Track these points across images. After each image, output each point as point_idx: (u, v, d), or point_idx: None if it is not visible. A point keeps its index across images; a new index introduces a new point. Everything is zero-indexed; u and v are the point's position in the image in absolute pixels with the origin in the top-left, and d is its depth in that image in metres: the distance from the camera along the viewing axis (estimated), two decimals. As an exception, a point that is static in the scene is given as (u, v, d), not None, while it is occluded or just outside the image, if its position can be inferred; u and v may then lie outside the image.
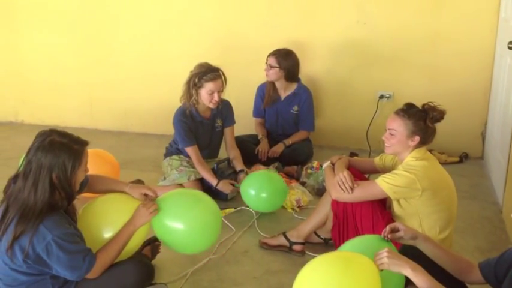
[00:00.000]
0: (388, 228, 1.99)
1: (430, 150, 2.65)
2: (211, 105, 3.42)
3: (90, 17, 4.72)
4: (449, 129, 3.97)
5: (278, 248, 2.90)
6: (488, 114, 4.12)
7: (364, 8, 4.17)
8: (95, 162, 3.23)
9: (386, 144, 2.53)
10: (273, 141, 4.01)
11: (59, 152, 2.02)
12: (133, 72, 4.75)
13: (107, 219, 2.25)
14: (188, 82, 3.38)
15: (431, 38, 4.12)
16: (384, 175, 2.48)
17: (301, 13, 4.30)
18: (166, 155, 3.65)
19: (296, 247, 2.86)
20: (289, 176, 3.79)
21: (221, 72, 3.39)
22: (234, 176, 3.52)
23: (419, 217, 2.46)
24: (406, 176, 2.40)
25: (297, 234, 2.87)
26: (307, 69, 4.19)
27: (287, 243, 2.87)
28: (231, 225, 3.15)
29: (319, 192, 3.47)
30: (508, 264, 1.85)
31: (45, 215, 1.99)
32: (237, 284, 2.64)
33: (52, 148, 2.01)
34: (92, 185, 2.35)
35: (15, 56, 5.00)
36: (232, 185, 3.42)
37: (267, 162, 3.85)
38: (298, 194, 3.44)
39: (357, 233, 2.53)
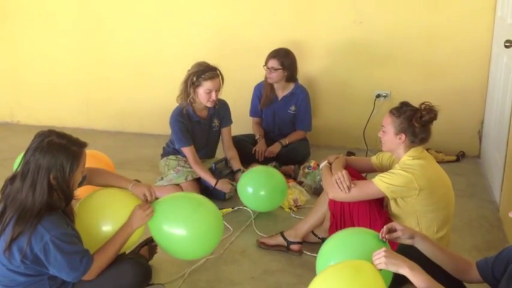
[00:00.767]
0: (385, 228, 2.00)
1: (427, 149, 2.66)
2: (209, 104, 3.41)
3: (86, 17, 4.71)
4: (446, 128, 3.99)
5: (276, 247, 2.89)
6: (485, 113, 4.13)
7: (361, 7, 4.17)
8: (90, 164, 3.23)
9: (381, 141, 2.57)
10: (269, 140, 4.01)
11: (58, 153, 2.01)
12: (130, 72, 4.73)
13: (104, 214, 2.25)
14: (186, 81, 3.37)
15: (427, 37, 4.13)
16: (381, 174, 2.48)
17: (297, 13, 4.29)
18: (163, 155, 3.65)
19: (294, 247, 2.86)
20: (287, 176, 3.78)
21: (219, 72, 3.38)
22: (231, 175, 3.52)
23: (416, 216, 2.47)
24: (403, 175, 2.40)
25: (295, 234, 2.86)
26: (304, 69, 4.18)
27: (285, 243, 2.87)
28: (228, 225, 3.15)
29: (317, 191, 3.47)
30: (505, 262, 1.85)
31: (43, 216, 1.98)
32: (235, 284, 2.64)
33: (51, 149, 2.00)
34: (92, 178, 2.34)
35: (11, 56, 4.97)
36: (231, 184, 3.42)
37: (264, 162, 3.84)
38: (295, 193, 3.43)
39: (354, 232, 2.53)
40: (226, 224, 3.16)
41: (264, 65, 3.90)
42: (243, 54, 4.42)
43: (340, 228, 2.56)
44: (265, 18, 4.35)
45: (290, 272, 2.73)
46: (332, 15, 4.24)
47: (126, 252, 2.51)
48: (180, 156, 3.54)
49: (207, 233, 2.36)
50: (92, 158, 3.33)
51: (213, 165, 3.54)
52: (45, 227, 1.97)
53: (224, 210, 3.33)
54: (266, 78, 3.96)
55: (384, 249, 1.85)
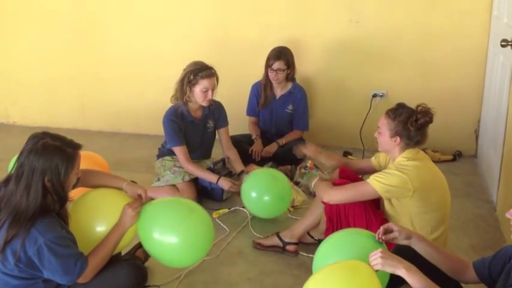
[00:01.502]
0: (381, 229, 1.99)
1: (424, 149, 2.66)
2: (205, 104, 3.39)
3: (82, 17, 4.68)
4: (442, 127, 3.98)
5: (271, 248, 2.89)
6: (482, 112, 4.12)
7: (357, 7, 4.16)
8: (85, 165, 3.22)
9: (377, 142, 2.57)
10: (266, 140, 4.00)
11: (52, 155, 1.99)
12: (126, 73, 4.72)
13: (97, 215, 2.23)
14: (182, 79, 3.35)
15: (424, 36, 4.12)
16: (376, 174, 2.48)
17: (293, 12, 4.28)
18: (158, 156, 3.63)
19: (289, 247, 2.85)
20: (283, 176, 3.78)
21: (214, 71, 3.37)
22: (229, 176, 3.49)
23: (410, 217, 2.46)
24: (398, 176, 2.40)
25: (291, 235, 2.86)
26: (301, 69, 4.17)
27: (280, 244, 2.86)
28: (225, 226, 3.14)
29: (313, 192, 3.46)
30: (502, 262, 1.85)
31: (37, 219, 1.96)
32: (232, 285, 2.63)
33: (45, 151, 1.99)
34: (86, 179, 2.32)
35: (6, 56, 4.94)
36: (233, 183, 3.36)
37: (261, 162, 3.84)
38: (292, 194, 3.42)
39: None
40: (222, 224, 3.16)
41: (268, 67, 3.87)
42: (239, 53, 4.41)
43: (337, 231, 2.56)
44: (262, 17, 4.34)
45: (286, 273, 2.73)
46: (328, 14, 4.23)
47: (122, 253, 2.51)
48: (176, 157, 3.52)
49: (196, 242, 2.29)
50: (87, 159, 3.31)
51: (211, 166, 3.53)
52: (39, 230, 1.95)
53: (221, 210, 3.32)
54: (265, 78, 3.94)
55: (380, 250, 1.85)
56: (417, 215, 2.46)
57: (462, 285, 2.01)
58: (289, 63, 3.87)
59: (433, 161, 2.61)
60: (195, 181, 3.47)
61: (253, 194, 3.13)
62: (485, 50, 4.02)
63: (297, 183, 3.64)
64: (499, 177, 3.32)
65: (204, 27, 4.46)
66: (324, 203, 2.66)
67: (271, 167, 3.82)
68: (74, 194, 2.23)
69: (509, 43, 3.15)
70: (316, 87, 4.35)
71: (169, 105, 3.48)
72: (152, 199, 2.41)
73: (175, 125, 3.39)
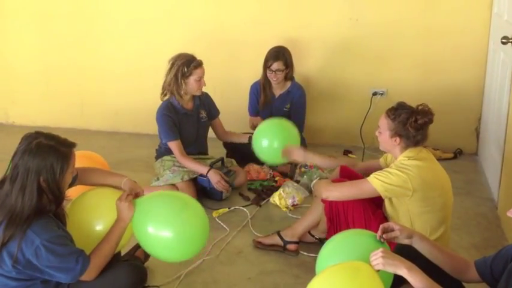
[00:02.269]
0: (380, 228, 1.97)
1: (425, 147, 2.62)
2: (198, 93, 3.44)
3: (79, 17, 4.67)
4: (443, 125, 3.96)
5: (272, 247, 2.87)
6: (482, 110, 4.11)
7: (356, 4, 4.14)
8: (84, 164, 3.20)
9: (378, 141, 2.55)
10: None
11: (47, 155, 1.97)
12: (125, 72, 4.70)
13: (95, 215, 2.21)
14: (176, 74, 3.37)
15: (424, 34, 4.10)
16: (376, 173, 2.45)
17: (292, 10, 4.26)
18: (157, 157, 3.62)
19: (290, 246, 2.84)
20: (283, 175, 3.77)
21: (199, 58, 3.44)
22: (229, 175, 3.48)
23: (409, 216, 2.44)
24: (399, 175, 2.38)
25: (291, 234, 2.84)
26: (300, 67, 4.15)
27: (281, 243, 2.85)
28: (225, 226, 3.13)
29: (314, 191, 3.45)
30: (504, 261, 1.83)
31: (33, 220, 1.95)
32: (232, 285, 2.62)
33: (39, 151, 1.97)
34: (84, 178, 2.30)
35: (5, 57, 4.93)
36: (227, 181, 3.38)
37: (261, 161, 3.82)
38: (292, 192, 3.41)
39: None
40: (222, 224, 3.14)
41: (266, 68, 3.85)
42: (237, 52, 4.39)
43: (337, 231, 2.54)
44: (260, 16, 4.32)
45: (287, 272, 2.71)
46: (327, 12, 4.21)
47: (122, 253, 2.49)
48: (174, 156, 3.51)
49: (192, 235, 2.23)
50: (87, 158, 3.32)
51: (210, 164, 3.52)
52: (35, 231, 1.94)
53: (220, 210, 3.31)
54: (264, 79, 3.92)
55: (381, 249, 1.83)
56: (417, 215, 2.44)
57: (464, 284, 2.00)
58: (288, 63, 3.86)
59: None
60: (195, 181, 3.46)
61: (264, 141, 3.24)
62: (485, 48, 4.01)
63: (297, 182, 3.62)
64: (500, 175, 3.31)
65: (202, 27, 4.44)
66: (323, 201, 2.64)
67: (270, 166, 3.81)
68: (72, 192, 2.22)
69: (510, 40, 3.13)
70: (316, 86, 4.34)
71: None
72: None
73: (169, 119, 3.40)
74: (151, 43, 4.58)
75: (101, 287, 2.11)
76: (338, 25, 4.21)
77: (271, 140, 3.23)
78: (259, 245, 2.91)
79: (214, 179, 3.35)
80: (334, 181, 2.66)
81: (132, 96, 4.72)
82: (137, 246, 2.60)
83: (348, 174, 2.77)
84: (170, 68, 3.40)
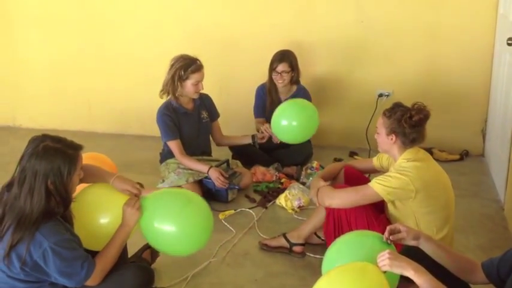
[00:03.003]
0: (388, 229, 1.98)
1: (430, 148, 2.64)
2: (195, 96, 3.46)
3: (87, 20, 4.69)
4: (449, 126, 3.98)
5: (278, 249, 2.88)
6: (489, 111, 4.10)
7: (362, 6, 4.14)
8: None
9: (377, 143, 2.58)
10: (272, 144, 3.93)
11: (54, 157, 1.99)
12: (131, 75, 4.72)
13: (99, 211, 2.21)
14: (172, 76, 3.39)
15: (429, 35, 4.10)
16: (377, 177, 2.47)
17: (298, 12, 4.27)
18: (161, 161, 3.64)
19: (296, 248, 2.84)
20: (289, 177, 3.78)
21: (201, 62, 3.43)
22: (234, 177, 3.49)
23: (414, 218, 2.44)
24: (399, 178, 2.39)
25: (298, 235, 2.85)
26: (305, 69, 4.16)
27: (287, 245, 2.85)
28: (231, 227, 3.14)
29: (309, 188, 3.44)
30: (511, 262, 1.83)
31: (41, 222, 1.96)
32: (238, 287, 2.63)
33: (46, 154, 1.98)
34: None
35: (12, 60, 4.96)
36: (226, 178, 3.37)
37: (267, 163, 3.83)
38: (298, 194, 3.42)
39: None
40: (228, 226, 3.15)
41: (272, 70, 3.86)
42: (243, 55, 4.40)
43: (338, 236, 2.54)
44: (266, 19, 4.33)
45: (293, 274, 2.72)
46: (333, 14, 4.21)
47: (129, 255, 2.50)
48: (179, 159, 3.52)
49: (197, 226, 2.26)
50: (95, 160, 3.34)
51: (215, 167, 3.53)
52: (43, 233, 1.95)
53: (227, 212, 3.32)
54: (270, 83, 3.92)
55: (388, 251, 1.84)
56: (422, 216, 2.44)
57: (471, 285, 1.99)
58: (293, 65, 3.87)
59: (440, 161, 2.60)
60: (200, 183, 3.47)
61: (284, 121, 3.50)
62: (491, 49, 4.00)
63: (303, 184, 3.63)
64: (506, 176, 3.30)
65: (209, 28, 4.46)
66: (326, 209, 2.64)
67: (277, 167, 3.82)
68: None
69: (516, 41, 3.13)
70: (321, 88, 4.34)
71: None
72: None
73: (168, 119, 3.43)
74: (158, 45, 4.59)
75: (108, 288, 2.12)
76: (343, 27, 4.21)
77: (289, 119, 3.51)
78: (265, 247, 2.92)
79: (214, 175, 3.36)
80: (337, 187, 2.66)
81: (139, 98, 4.74)
82: (144, 248, 2.61)
83: (352, 176, 2.77)
84: (169, 69, 3.43)
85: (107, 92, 4.82)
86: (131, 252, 2.54)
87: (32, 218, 1.95)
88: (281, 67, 3.83)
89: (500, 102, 3.67)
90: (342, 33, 4.23)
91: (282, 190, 3.54)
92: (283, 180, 3.72)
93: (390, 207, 2.52)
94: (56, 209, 2.02)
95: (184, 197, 2.35)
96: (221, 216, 3.26)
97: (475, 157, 4.20)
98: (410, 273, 1.77)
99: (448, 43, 4.08)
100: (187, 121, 3.52)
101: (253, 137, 3.59)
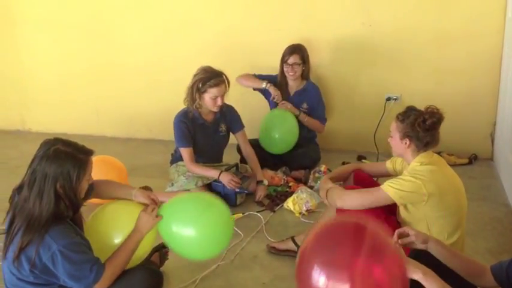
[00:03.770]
0: (396, 233, 1.97)
1: (439, 152, 2.64)
2: (215, 109, 3.43)
3: (95, 25, 4.73)
4: (458, 130, 3.96)
5: (286, 252, 2.88)
6: (497, 115, 4.09)
7: (369, 9, 4.15)
8: (103, 169, 3.25)
9: (391, 146, 2.56)
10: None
11: (64, 161, 2.00)
12: (139, 79, 4.75)
13: (115, 227, 2.23)
14: (192, 87, 3.38)
15: (437, 39, 4.10)
16: (390, 180, 2.46)
17: (304, 16, 4.29)
18: (172, 162, 3.65)
19: (304, 252, 2.83)
20: (297, 180, 3.78)
21: (224, 77, 3.39)
22: (243, 181, 3.48)
23: (426, 222, 2.43)
24: (412, 181, 2.38)
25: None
26: (313, 73, 4.17)
27: (295, 248, 2.85)
28: (239, 231, 3.14)
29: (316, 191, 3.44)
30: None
31: (50, 225, 1.97)
32: (246, 290, 2.63)
33: (57, 157, 2.00)
34: (98, 191, 2.33)
35: (21, 64, 5.01)
36: (238, 187, 3.38)
37: (274, 167, 3.84)
38: (306, 198, 3.42)
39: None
40: (237, 229, 3.15)
41: (283, 63, 3.90)
42: (249, 58, 4.41)
43: None
44: (274, 22, 4.35)
45: (301, 277, 2.71)
46: (340, 18, 4.23)
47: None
48: (190, 162, 3.53)
49: (217, 230, 2.30)
50: (105, 163, 3.38)
51: (224, 171, 3.54)
52: (53, 236, 1.96)
53: (235, 215, 3.32)
54: (281, 76, 3.95)
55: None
56: (434, 220, 2.43)
57: (480, 289, 1.99)
58: (304, 59, 3.91)
59: (449, 165, 2.58)
60: (209, 186, 3.48)
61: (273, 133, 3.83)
62: (500, 52, 3.99)
63: (311, 188, 3.63)
64: (515, 180, 3.29)
65: (214, 32, 4.48)
66: (337, 210, 2.64)
67: (285, 171, 3.82)
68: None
69: (525, 45, 3.12)
70: (329, 92, 4.35)
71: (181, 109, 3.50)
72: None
73: (184, 126, 3.42)
74: (165, 50, 4.63)
75: (118, 291, 2.13)
76: (351, 31, 4.22)
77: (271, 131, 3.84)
78: (274, 250, 2.92)
79: (226, 179, 3.37)
80: (348, 188, 2.66)
81: (147, 102, 4.77)
82: (153, 251, 2.61)
83: (362, 180, 2.77)
84: (192, 78, 3.42)
85: (115, 96, 4.86)
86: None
87: (42, 220, 1.96)
88: (292, 59, 3.86)
89: (509, 105, 3.65)
90: (350, 37, 4.24)
91: (290, 194, 3.54)
92: (291, 183, 3.73)
93: (402, 210, 2.51)
94: (66, 213, 2.04)
95: (204, 201, 2.38)
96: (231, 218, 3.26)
97: (484, 161, 4.18)
98: (419, 277, 1.76)
99: (456, 47, 4.07)
100: (203, 132, 3.51)
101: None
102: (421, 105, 2.52)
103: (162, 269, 2.62)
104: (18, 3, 4.86)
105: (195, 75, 3.40)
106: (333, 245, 1.63)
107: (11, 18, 4.92)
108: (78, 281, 2.01)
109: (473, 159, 4.16)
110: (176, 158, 3.63)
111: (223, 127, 3.59)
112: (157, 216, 2.23)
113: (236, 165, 3.62)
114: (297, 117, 3.93)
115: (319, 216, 2.94)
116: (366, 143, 4.31)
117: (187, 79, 3.47)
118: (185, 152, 3.45)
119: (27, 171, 2.05)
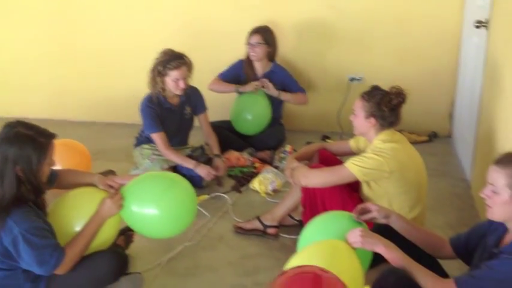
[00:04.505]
0: (357, 208, 2.02)
1: (400, 130, 2.68)
2: (178, 92, 3.38)
3: (55, 6, 4.60)
4: (418, 109, 4.04)
5: (252, 231, 2.91)
6: (456, 94, 4.19)
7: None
8: (66, 153, 3.19)
9: (353, 125, 2.59)
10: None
11: (24, 144, 1.97)
12: (102, 62, 4.65)
13: (78, 212, 2.20)
14: (153, 70, 3.34)
15: (399, 20, 4.15)
16: (353, 158, 2.51)
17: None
18: (136, 145, 3.61)
19: (270, 230, 2.87)
20: (263, 161, 3.80)
21: (186, 59, 3.35)
22: (209, 163, 3.48)
23: (388, 198, 2.49)
24: (375, 159, 2.43)
25: (271, 218, 2.88)
26: (278, 55, 4.17)
27: (261, 227, 2.88)
28: (205, 212, 3.15)
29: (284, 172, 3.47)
30: (478, 237, 1.90)
31: (12, 208, 1.94)
32: (213, 269, 2.65)
33: (17, 140, 1.97)
34: (61, 180, 2.31)
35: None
36: (216, 176, 3.38)
37: (240, 148, 3.85)
38: (272, 178, 3.44)
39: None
40: (203, 210, 3.16)
41: (246, 43, 3.90)
42: (215, 39, 4.38)
43: (313, 216, 2.58)
44: (235, 3, 4.32)
45: (268, 255, 2.75)
46: (305, 0, 4.23)
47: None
48: (154, 145, 3.49)
49: (180, 206, 2.31)
50: (68, 147, 3.32)
51: (190, 153, 3.52)
52: (15, 220, 1.93)
53: (201, 197, 3.32)
54: (247, 56, 3.95)
55: (359, 228, 1.89)
56: (395, 196, 2.49)
57: (439, 261, 2.06)
58: (268, 40, 3.91)
59: (410, 142, 2.64)
60: (174, 169, 3.46)
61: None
62: (459, 32, 4.07)
63: (276, 168, 3.66)
64: (472, 156, 3.39)
65: (179, 14, 4.42)
66: (301, 189, 2.67)
67: (250, 152, 3.84)
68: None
69: (483, 24, 3.20)
70: (293, 72, 4.33)
71: (146, 93, 3.45)
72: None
73: (152, 111, 3.37)
74: (129, 33, 4.54)
75: (82, 275, 2.12)
76: (315, 12, 4.23)
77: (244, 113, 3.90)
78: (240, 230, 2.94)
79: (203, 172, 3.35)
80: (312, 167, 2.70)
81: (110, 85, 4.69)
82: (119, 234, 2.60)
83: (327, 158, 2.81)
84: (153, 62, 3.36)
85: (78, 79, 4.75)
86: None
87: (3, 203, 1.93)
88: (253, 39, 3.87)
89: (467, 84, 3.74)
90: (313, 18, 4.25)
91: (256, 174, 3.56)
92: (257, 164, 3.75)
93: (364, 187, 2.56)
94: (27, 196, 2.01)
95: (166, 179, 2.38)
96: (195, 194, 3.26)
97: (443, 138, 4.29)
98: (381, 250, 1.82)
99: (417, 27, 4.14)
100: (170, 117, 3.46)
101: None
102: (383, 85, 2.56)
103: (127, 251, 2.60)
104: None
105: (156, 59, 3.36)
106: None
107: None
108: (39, 265, 1.99)
109: (432, 137, 4.27)
110: (140, 141, 3.59)
111: (188, 110, 3.57)
112: (121, 205, 2.21)
113: (201, 147, 3.61)
114: (277, 97, 3.94)
115: (284, 195, 2.97)
116: (330, 123, 4.36)
117: (151, 61, 3.41)
118: (157, 137, 3.38)
119: None
